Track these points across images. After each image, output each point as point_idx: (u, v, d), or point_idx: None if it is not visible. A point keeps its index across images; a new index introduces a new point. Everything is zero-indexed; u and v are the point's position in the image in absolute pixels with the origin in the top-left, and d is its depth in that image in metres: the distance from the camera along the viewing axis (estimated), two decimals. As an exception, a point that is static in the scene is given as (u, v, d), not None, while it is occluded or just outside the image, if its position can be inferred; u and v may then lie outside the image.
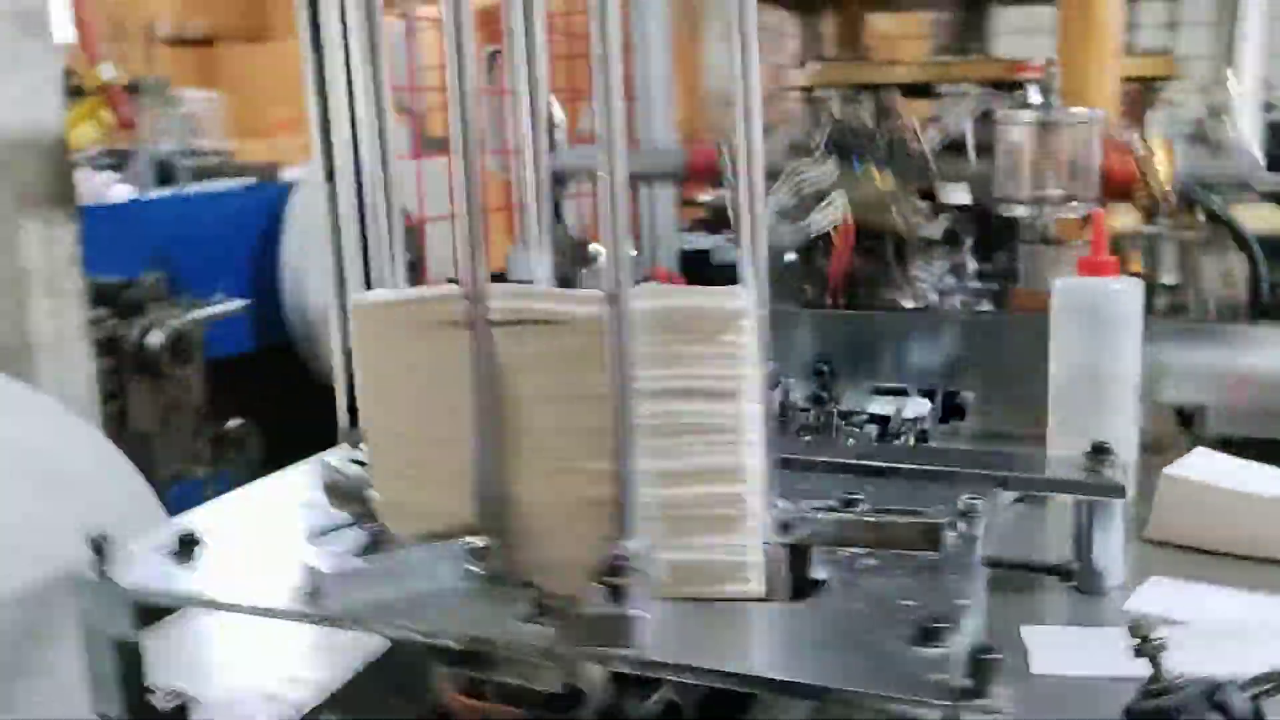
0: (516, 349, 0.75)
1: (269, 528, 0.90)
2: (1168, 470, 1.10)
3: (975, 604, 0.69)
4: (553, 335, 0.75)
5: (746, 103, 0.75)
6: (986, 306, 1.56)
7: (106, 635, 0.78)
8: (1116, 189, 1.39)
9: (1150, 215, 1.40)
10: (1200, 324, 1.37)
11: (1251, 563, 1.03)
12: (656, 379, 0.73)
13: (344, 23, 1.17)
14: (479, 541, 0.76)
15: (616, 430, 0.72)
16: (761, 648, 0.70)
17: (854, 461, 0.96)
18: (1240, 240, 1.39)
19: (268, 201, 2.88)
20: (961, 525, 0.79)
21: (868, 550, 0.78)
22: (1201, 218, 1.39)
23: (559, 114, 1.79)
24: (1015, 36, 3.04)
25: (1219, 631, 0.89)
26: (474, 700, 0.73)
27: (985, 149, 1.45)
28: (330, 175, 1.55)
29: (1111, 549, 0.98)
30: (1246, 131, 2.14)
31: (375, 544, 0.77)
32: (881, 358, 1.51)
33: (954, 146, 1.48)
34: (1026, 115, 1.34)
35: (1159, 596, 0.97)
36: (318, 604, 0.72)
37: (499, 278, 1.79)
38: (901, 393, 1.44)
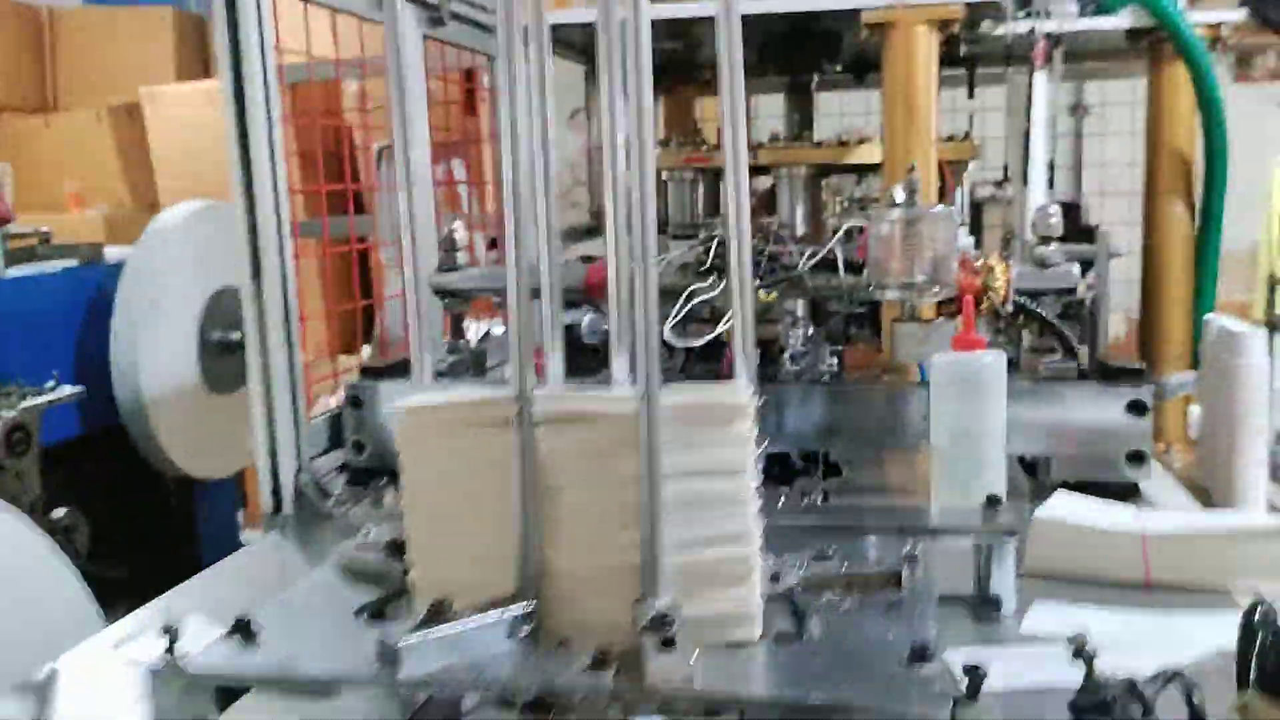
0: (556, 442, 0.89)
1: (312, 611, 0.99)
2: (1038, 512, 1.33)
3: (932, 628, 0.86)
4: (589, 429, 0.88)
5: (738, 224, 0.91)
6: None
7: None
8: (964, 297, 1.63)
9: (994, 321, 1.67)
10: (1036, 384, 1.61)
11: (1112, 587, 1.26)
12: (677, 463, 0.88)
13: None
14: (523, 608, 0.88)
15: (646, 506, 0.86)
16: (786, 680, 0.85)
17: (801, 523, 1.13)
18: (1060, 337, 1.66)
19: (94, 282, 2.81)
20: (911, 568, 0.97)
21: (840, 594, 0.95)
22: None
23: (461, 236, 1.91)
24: (830, 118, 3.37)
25: (1103, 644, 1.10)
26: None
27: (851, 266, 1.67)
28: (256, 274, 1.64)
29: (1006, 581, 1.19)
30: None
31: (431, 617, 0.87)
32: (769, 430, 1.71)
33: (825, 263, 1.69)
34: (895, 213, 1.57)
35: (1048, 618, 1.17)
36: (395, 672, 0.83)
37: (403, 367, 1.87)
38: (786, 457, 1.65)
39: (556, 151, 0.92)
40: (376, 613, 0.94)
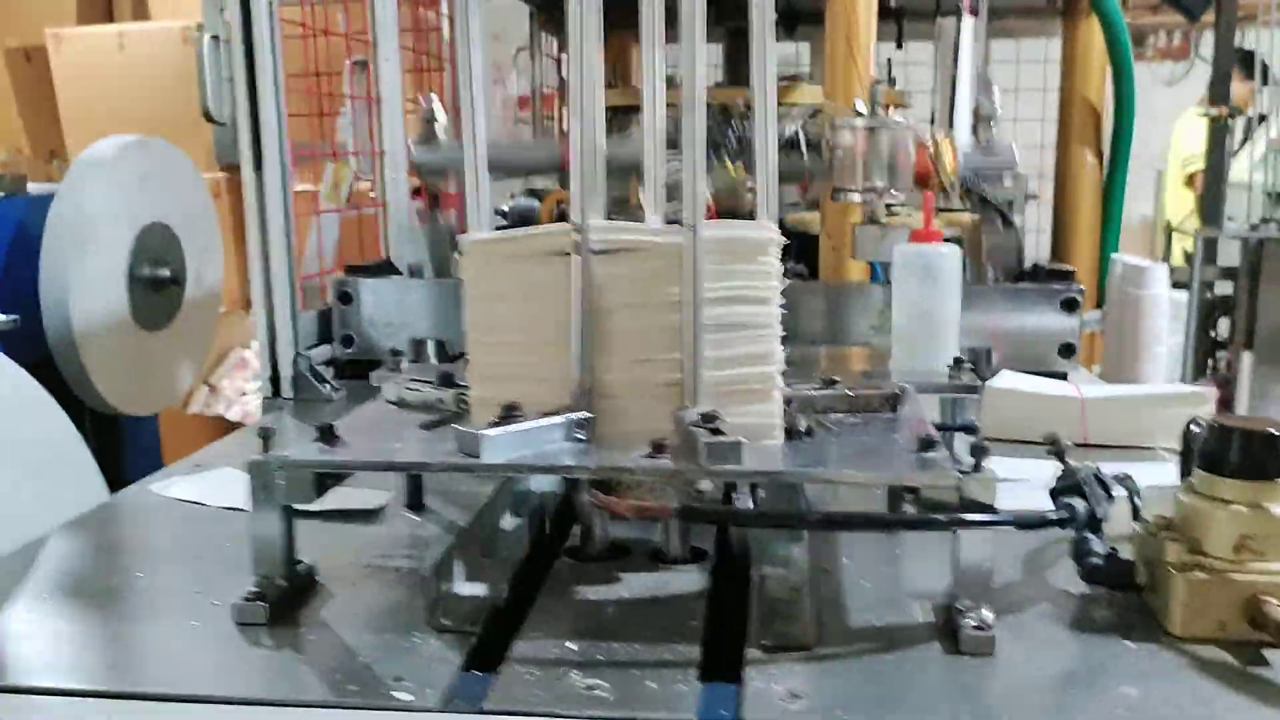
0: (610, 270, 1.01)
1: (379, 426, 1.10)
2: (990, 383, 1.50)
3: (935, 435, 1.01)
4: (639, 259, 1.01)
5: (762, 96, 1.04)
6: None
7: (278, 506, 0.96)
8: (917, 178, 1.79)
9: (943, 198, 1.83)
10: (982, 286, 1.79)
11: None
12: (713, 289, 1.01)
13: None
14: (580, 417, 1.01)
15: (689, 327, 0.99)
16: (814, 463, 0.99)
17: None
18: (1000, 213, 1.84)
19: (17, 217, 2.78)
20: (904, 394, 1.13)
21: (846, 413, 1.10)
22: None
23: (440, 113, 2.01)
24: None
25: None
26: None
27: (813, 146, 1.83)
28: (258, 165, 1.71)
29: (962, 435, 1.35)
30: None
31: (504, 419, 0.99)
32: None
33: (790, 144, 1.84)
34: (858, 121, 1.72)
35: (1003, 468, 1.34)
36: (481, 458, 0.94)
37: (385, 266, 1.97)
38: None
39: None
40: (438, 427, 1.06)
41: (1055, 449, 1.04)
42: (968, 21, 2.82)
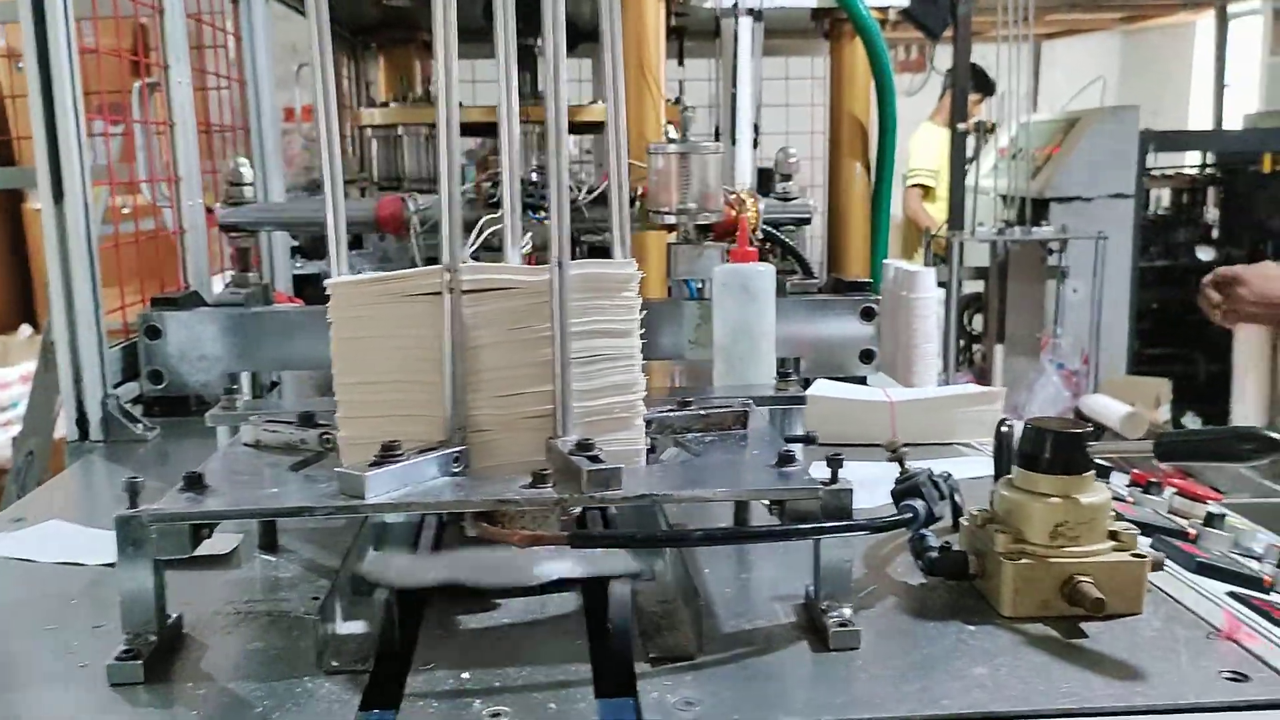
0: (480, 308, 1.04)
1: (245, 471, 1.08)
2: (810, 391, 1.61)
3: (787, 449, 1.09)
4: (508, 297, 1.05)
5: (617, 127, 1.10)
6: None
7: (150, 560, 0.94)
8: (724, 230, 1.89)
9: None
10: (790, 298, 1.91)
11: (869, 445, 1.56)
12: (580, 324, 1.06)
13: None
14: (456, 451, 1.04)
15: (557, 361, 1.04)
16: (693, 483, 1.05)
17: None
18: (798, 259, 1.98)
19: None
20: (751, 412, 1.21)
21: (701, 431, 1.17)
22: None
23: (247, 172, 1.96)
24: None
25: (867, 481, 1.39)
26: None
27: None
28: (59, 199, 1.64)
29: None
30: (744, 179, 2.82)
31: (383, 457, 1.00)
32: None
33: (601, 198, 1.90)
34: (670, 147, 1.80)
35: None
36: (365, 498, 0.96)
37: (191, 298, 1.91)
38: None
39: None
40: (305, 468, 1.06)
41: (895, 454, 1.14)
42: (744, 45, 2.98)
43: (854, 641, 0.97)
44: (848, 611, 0.99)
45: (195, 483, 0.99)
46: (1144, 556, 1.04)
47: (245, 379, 1.95)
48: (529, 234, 1.13)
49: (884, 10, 3.18)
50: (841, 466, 0.99)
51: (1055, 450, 1.04)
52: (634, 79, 2.63)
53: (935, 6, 3.81)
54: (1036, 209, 4.50)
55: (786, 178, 1.97)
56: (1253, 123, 5.53)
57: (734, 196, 1.91)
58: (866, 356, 1.88)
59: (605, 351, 1.07)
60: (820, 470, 1.00)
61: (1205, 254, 4.71)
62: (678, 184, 1.81)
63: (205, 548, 1.19)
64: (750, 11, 3.07)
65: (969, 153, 4.48)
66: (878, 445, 1.57)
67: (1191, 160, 5.51)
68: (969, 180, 4.40)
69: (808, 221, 2.00)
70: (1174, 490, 1.48)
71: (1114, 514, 1.07)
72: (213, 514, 0.95)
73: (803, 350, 1.88)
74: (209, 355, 1.81)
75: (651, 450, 1.10)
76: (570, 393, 1.05)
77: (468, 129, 2.93)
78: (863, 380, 1.89)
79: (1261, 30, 7.19)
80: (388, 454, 1.00)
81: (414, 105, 2.88)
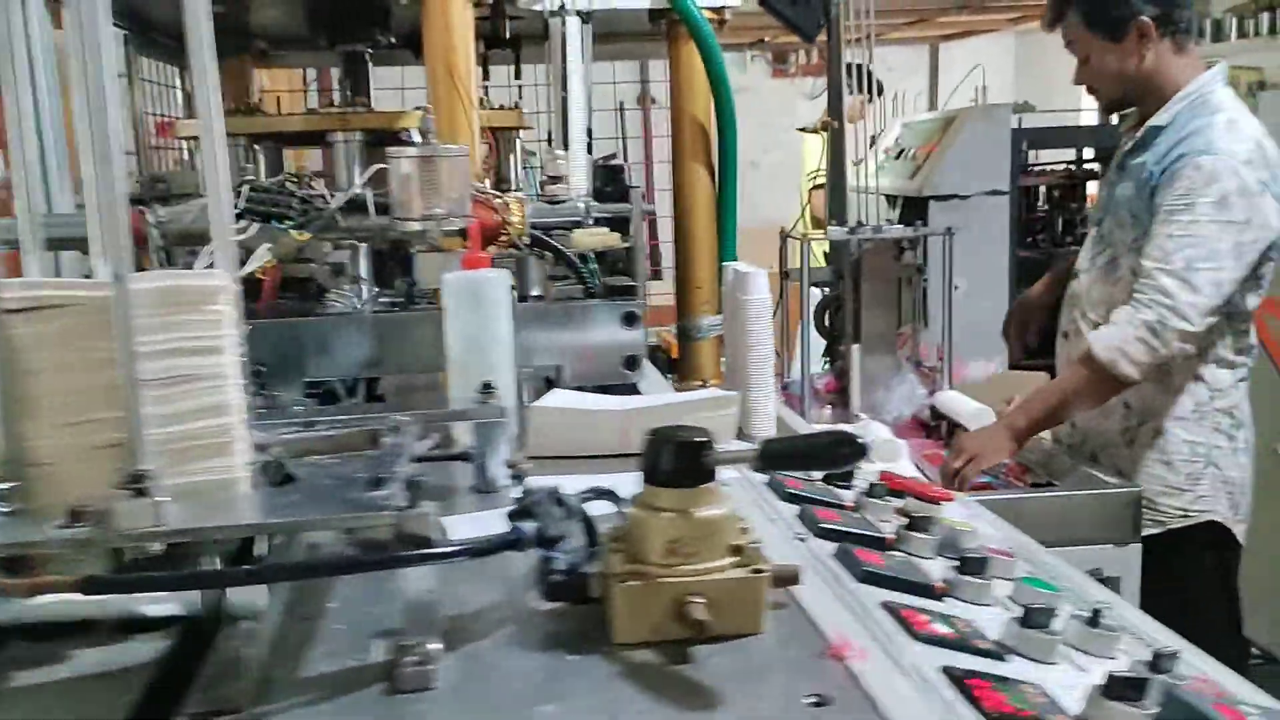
0: (33, 329, 0.95)
1: None
2: (534, 404, 1.53)
3: (404, 471, 1.01)
4: (64, 316, 0.95)
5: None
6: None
7: None
8: (487, 236, 1.81)
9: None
10: (549, 305, 1.83)
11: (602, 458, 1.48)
12: (154, 342, 0.96)
13: None
14: (5, 489, 0.94)
15: (125, 384, 0.94)
16: (259, 514, 0.96)
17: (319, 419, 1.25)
18: (569, 263, 1.90)
19: None
20: (391, 435, 1.12)
21: (325, 455, 1.08)
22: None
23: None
24: (391, 93, 3.51)
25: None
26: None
27: (381, 208, 1.81)
28: None
29: (499, 460, 1.37)
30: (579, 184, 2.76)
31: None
32: (309, 360, 1.82)
33: (354, 204, 1.81)
34: (412, 150, 1.71)
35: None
36: None
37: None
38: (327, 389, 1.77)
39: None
40: None
41: (516, 472, 1.06)
42: (572, 50, 2.90)
43: (426, 681, 0.88)
44: (433, 647, 0.90)
45: None
46: (763, 572, 0.96)
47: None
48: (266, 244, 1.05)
49: (719, 11, 3.11)
50: (420, 499, 0.91)
51: (674, 460, 0.96)
52: (444, 87, 2.55)
53: (808, 8, 3.77)
54: (917, 207, 4.46)
55: (555, 180, 1.89)
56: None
57: (499, 201, 1.83)
58: (631, 363, 1.80)
59: (189, 371, 0.98)
60: (402, 496, 0.92)
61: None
62: (422, 189, 1.72)
63: None
64: (579, 13, 2.99)
65: (857, 154, 4.44)
66: (615, 456, 1.50)
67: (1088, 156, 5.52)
68: (858, 181, 4.36)
69: (579, 224, 1.92)
70: (911, 495, 1.42)
71: (743, 528, 1.00)
72: None
73: (565, 358, 1.80)
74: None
75: (265, 476, 1.01)
76: (142, 419, 0.95)
77: (294, 138, 2.84)
78: (634, 388, 1.81)
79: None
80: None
81: (229, 115, 2.78)
